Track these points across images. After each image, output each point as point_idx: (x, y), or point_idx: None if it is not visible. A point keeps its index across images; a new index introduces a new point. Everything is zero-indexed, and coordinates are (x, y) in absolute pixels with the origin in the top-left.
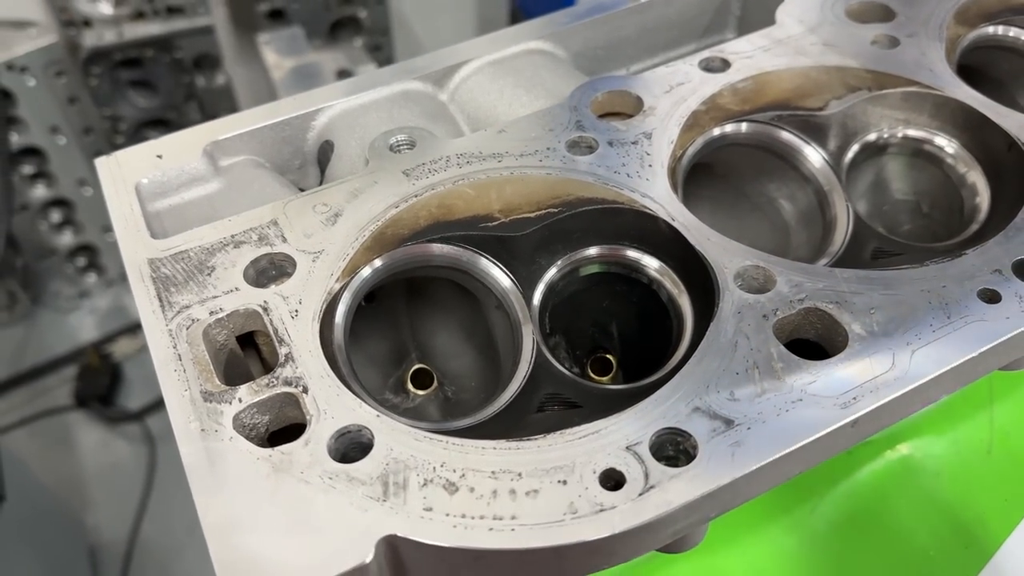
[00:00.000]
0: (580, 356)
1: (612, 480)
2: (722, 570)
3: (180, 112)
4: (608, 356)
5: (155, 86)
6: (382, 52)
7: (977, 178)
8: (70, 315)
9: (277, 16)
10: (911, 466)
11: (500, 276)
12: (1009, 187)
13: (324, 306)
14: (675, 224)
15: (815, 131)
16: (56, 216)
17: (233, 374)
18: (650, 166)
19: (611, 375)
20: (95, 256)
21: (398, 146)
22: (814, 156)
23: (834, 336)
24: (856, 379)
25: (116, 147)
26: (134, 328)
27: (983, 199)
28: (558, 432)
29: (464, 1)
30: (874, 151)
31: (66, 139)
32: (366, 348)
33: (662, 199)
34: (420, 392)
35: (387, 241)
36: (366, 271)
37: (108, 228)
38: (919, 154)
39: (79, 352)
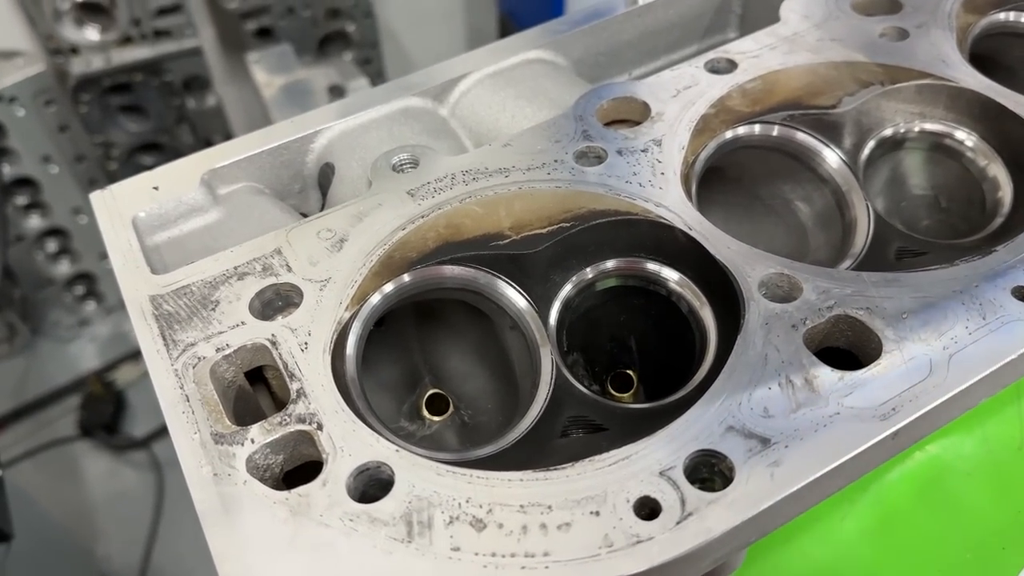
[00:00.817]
0: (599, 373)
1: (647, 509)
2: None
3: (172, 135)
4: (628, 372)
5: (146, 110)
6: (372, 65)
7: (998, 170)
8: (71, 344)
9: (265, 34)
10: (942, 467)
11: (515, 297)
12: None
13: (335, 337)
14: (692, 233)
15: (829, 130)
16: (52, 246)
17: (243, 411)
18: (662, 174)
19: (632, 391)
20: (93, 284)
21: (401, 165)
22: (830, 156)
23: (866, 344)
24: (894, 388)
25: (109, 173)
26: (136, 355)
27: (1006, 192)
28: (587, 459)
29: (453, 12)
30: (890, 147)
31: (58, 168)
32: (377, 374)
33: (677, 208)
34: (436, 418)
35: (396, 265)
36: (376, 298)
37: (105, 255)
38: (937, 148)
39: (81, 381)
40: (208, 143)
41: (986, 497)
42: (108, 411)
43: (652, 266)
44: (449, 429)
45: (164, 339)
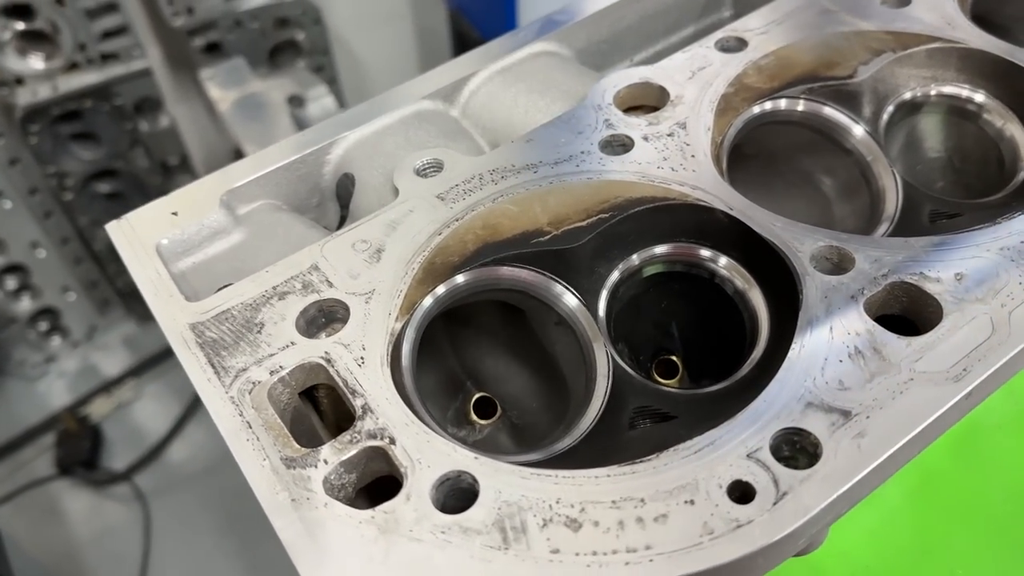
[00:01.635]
0: (644, 361)
1: (741, 492)
2: (811, 561)
3: (127, 160)
4: (673, 358)
5: (98, 137)
6: (325, 72)
7: (1015, 128)
8: (39, 382)
9: (214, 49)
10: (972, 423)
11: (567, 296)
12: None
13: (390, 349)
14: (734, 214)
15: (848, 100)
16: (11, 283)
17: (298, 432)
18: (693, 156)
19: (678, 377)
20: (57, 319)
21: (424, 170)
22: (852, 126)
23: (923, 308)
24: (961, 349)
25: (65, 204)
26: (108, 387)
27: (1023, 147)
28: (671, 449)
29: (401, 13)
30: (906, 112)
31: (11, 203)
32: (418, 384)
33: (713, 188)
34: (485, 422)
35: (438, 271)
36: (428, 303)
37: (67, 288)
38: (951, 110)
39: (54, 419)
40: (164, 165)
41: (1018, 448)
42: (85, 447)
43: (696, 250)
44: (500, 432)
45: (213, 367)
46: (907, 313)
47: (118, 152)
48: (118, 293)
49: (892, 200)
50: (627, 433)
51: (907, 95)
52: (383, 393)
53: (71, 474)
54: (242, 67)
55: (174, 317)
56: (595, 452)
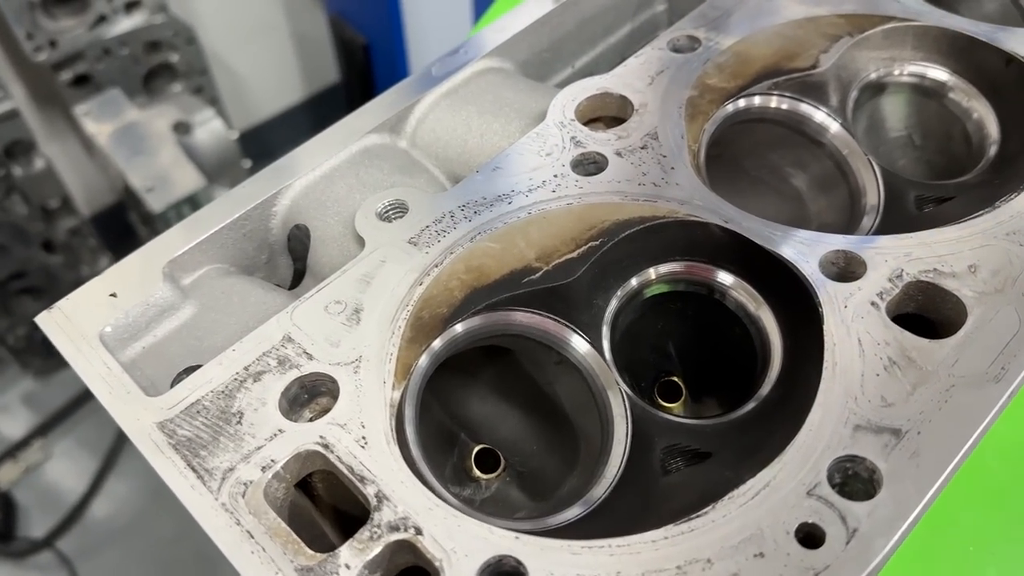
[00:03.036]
0: (646, 385)
1: (810, 536)
2: None
3: (3, 209)
4: (674, 379)
5: None
6: (204, 93)
7: (980, 106)
8: None
9: (84, 82)
10: None
11: (577, 340)
12: (1017, 104)
13: (393, 422)
14: (730, 227)
15: (815, 91)
16: None
17: (297, 529)
18: (673, 168)
19: (682, 400)
20: None
21: (387, 212)
22: (823, 117)
23: (942, 305)
24: (994, 347)
25: None
26: (13, 450)
27: (989, 121)
28: (726, 498)
29: (275, 24)
30: (871, 95)
31: None
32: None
33: (702, 200)
34: (490, 476)
35: (427, 326)
36: (423, 363)
37: None
38: (916, 91)
39: None
40: (44, 210)
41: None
42: None
43: (696, 268)
44: (509, 485)
45: (195, 470)
46: (923, 311)
47: None
48: (10, 350)
49: (873, 191)
50: (663, 479)
51: (870, 77)
52: (396, 476)
53: None
54: (117, 97)
55: (138, 417)
56: (633, 503)
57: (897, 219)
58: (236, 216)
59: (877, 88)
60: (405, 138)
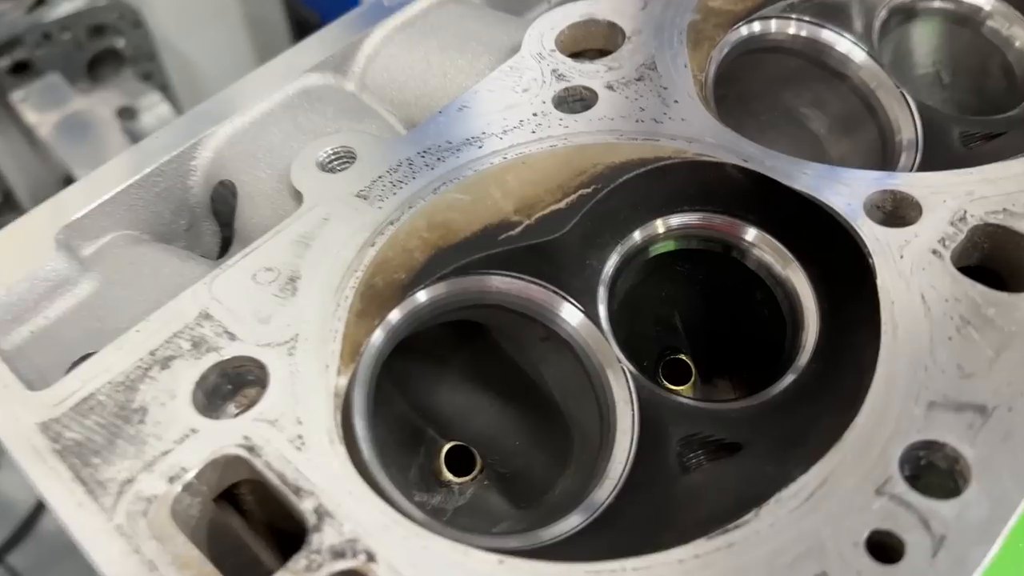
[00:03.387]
0: (647, 367)
1: (884, 547)
2: None
3: None
4: (682, 357)
5: None
6: (155, 79)
7: (1022, 31)
8: None
9: (23, 69)
10: None
11: (568, 310)
12: None
13: (338, 416)
14: (751, 166)
15: (837, 14)
16: None
17: (219, 554)
18: (676, 101)
19: (691, 382)
20: None
21: (331, 162)
22: (846, 45)
23: (1012, 253)
24: None
25: None
26: None
27: None
28: (771, 501)
29: (227, 5)
30: (899, 21)
31: None
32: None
33: (714, 137)
34: (463, 480)
35: (381, 295)
36: (378, 341)
37: None
38: (948, 17)
39: None
40: None
41: None
42: None
43: (711, 220)
44: (487, 489)
45: (84, 483)
46: (990, 262)
47: None
48: None
49: (909, 128)
50: (683, 478)
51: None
52: (342, 485)
53: None
54: (59, 84)
55: (16, 417)
56: (647, 509)
57: (941, 158)
58: (147, 171)
59: (906, 14)
60: (352, 79)
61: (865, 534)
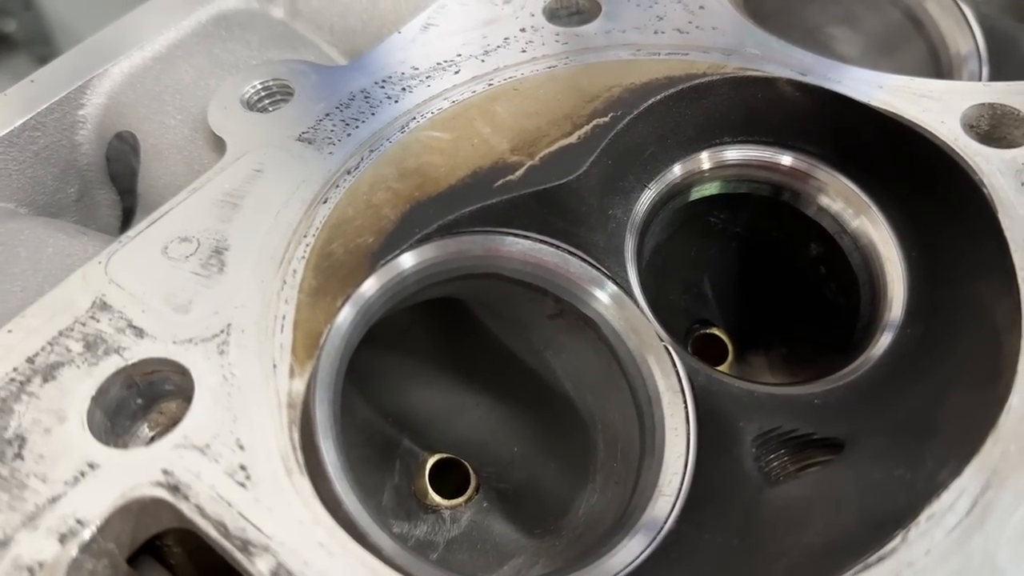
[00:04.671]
0: (676, 339)
1: None
2: None
3: None
4: (715, 332)
5: None
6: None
7: None
8: None
9: None
10: None
11: (592, 279)
12: None
13: (296, 435)
14: (812, 81)
15: None
16: None
17: None
18: (702, 7)
19: (728, 362)
20: None
21: (261, 99)
22: None
23: None
24: None
25: None
26: None
27: None
28: (920, 520)
29: None
30: None
31: None
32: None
33: (756, 47)
34: (455, 502)
35: (343, 266)
36: (344, 325)
37: None
38: None
39: None
40: None
41: None
42: None
43: (755, 152)
44: (487, 513)
45: None
46: None
47: None
48: None
49: (967, 39)
50: (769, 490)
51: None
52: (309, 533)
53: None
54: None
55: None
56: (724, 537)
57: (1014, 71)
58: (19, 124)
59: None
60: (281, 3)
61: None
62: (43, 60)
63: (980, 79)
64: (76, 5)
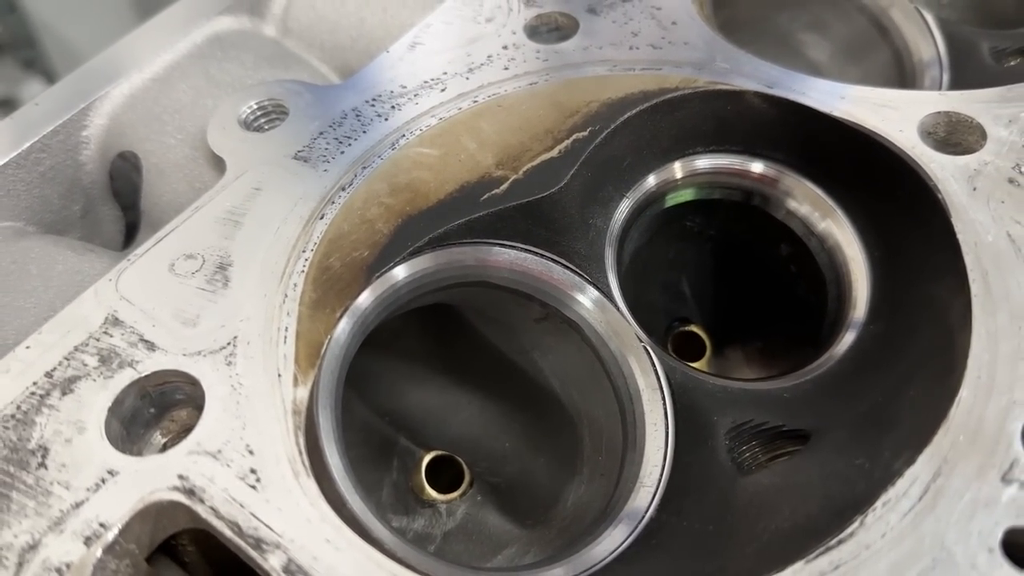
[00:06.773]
0: (655, 337)
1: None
2: None
3: None
4: (693, 328)
5: None
6: (37, 67)
7: None
8: None
9: None
10: None
11: (574, 285)
12: None
13: (302, 439)
14: (778, 93)
15: None
16: None
17: None
18: (674, 23)
19: (706, 357)
20: None
21: (257, 119)
22: None
23: None
24: None
25: None
26: None
27: None
28: (877, 505)
29: None
30: None
31: None
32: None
33: (726, 61)
34: (450, 496)
35: (341, 279)
36: (342, 335)
37: None
38: None
39: None
40: None
41: None
42: None
43: (733, 162)
44: (481, 506)
45: None
46: None
47: None
48: None
49: (928, 46)
50: (742, 480)
51: None
52: (317, 531)
53: None
54: None
55: None
56: (701, 524)
57: (973, 76)
58: (26, 147)
59: None
60: (272, 22)
61: (999, 535)
62: (28, 63)
63: (941, 84)
64: (61, 9)
